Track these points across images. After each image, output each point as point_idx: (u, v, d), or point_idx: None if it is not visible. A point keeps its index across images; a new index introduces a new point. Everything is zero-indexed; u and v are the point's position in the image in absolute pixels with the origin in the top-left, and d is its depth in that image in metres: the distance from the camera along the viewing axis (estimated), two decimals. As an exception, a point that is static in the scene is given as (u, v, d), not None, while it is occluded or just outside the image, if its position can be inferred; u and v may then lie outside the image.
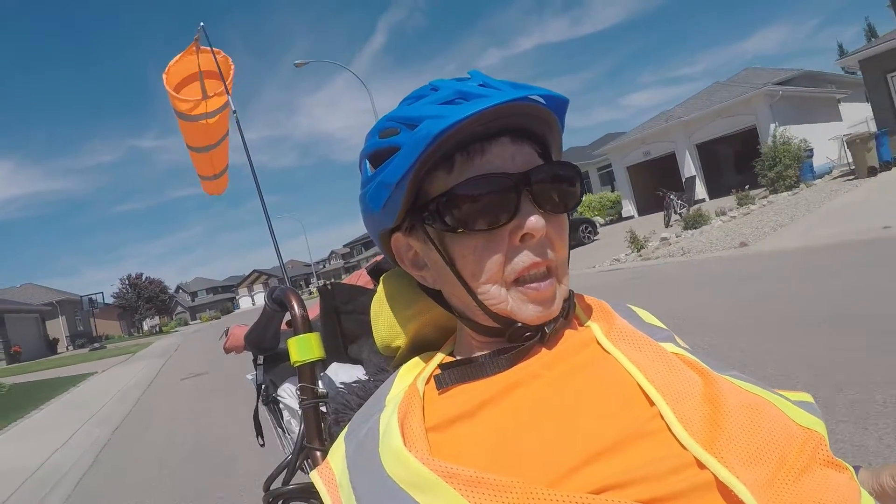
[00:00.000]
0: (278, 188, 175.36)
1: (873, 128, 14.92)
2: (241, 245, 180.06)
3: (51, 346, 33.46)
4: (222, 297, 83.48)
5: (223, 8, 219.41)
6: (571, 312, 0.61)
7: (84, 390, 10.70)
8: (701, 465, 0.44)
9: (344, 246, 73.03)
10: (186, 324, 64.70)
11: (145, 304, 51.23)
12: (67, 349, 33.73)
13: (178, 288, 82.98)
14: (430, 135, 0.51)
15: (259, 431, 1.06)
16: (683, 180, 18.92)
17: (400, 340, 0.68)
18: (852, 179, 13.25)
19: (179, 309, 76.20)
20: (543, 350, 0.57)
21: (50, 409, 8.61)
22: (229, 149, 3.27)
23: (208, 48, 2.82)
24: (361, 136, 0.61)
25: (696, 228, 12.44)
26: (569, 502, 0.42)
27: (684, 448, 0.45)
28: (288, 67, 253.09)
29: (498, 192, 0.53)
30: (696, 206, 15.34)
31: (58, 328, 36.01)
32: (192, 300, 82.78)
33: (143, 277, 53.58)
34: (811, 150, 15.32)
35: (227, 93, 2.71)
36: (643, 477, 0.44)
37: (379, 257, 0.94)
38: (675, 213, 15.95)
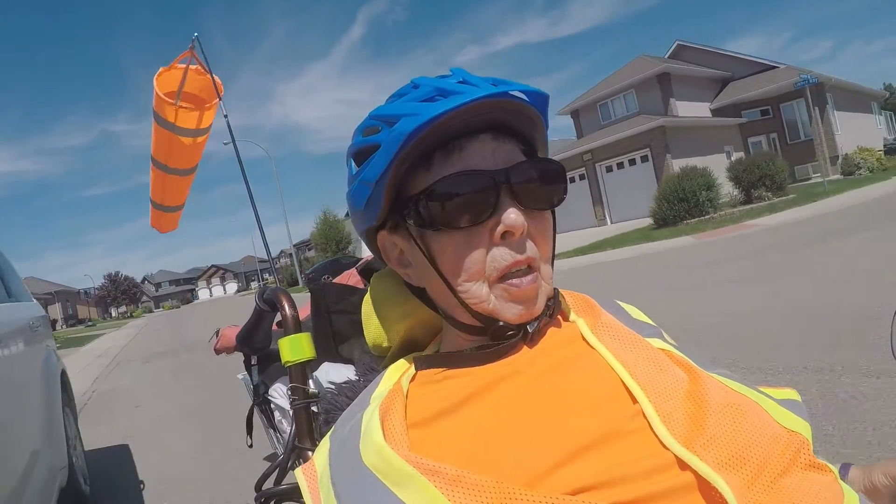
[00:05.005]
0: (241, 178, 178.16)
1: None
2: (204, 235, 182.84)
3: (51, 325, 45.16)
4: (184, 288, 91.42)
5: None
6: (556, 311, 0.60)
7: (107, 336, 23.33)
8: (682, 466, 0.44)
9: (293, 245, 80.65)
10: (151, 311, 73.84)
11: (121, 296, 64.49)
12: (63, 328, 44.99)
13: (144, 279, 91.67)
14: (405, 133, 0.51)
15: (249, 432, 1.06)
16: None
17: (390, 341, 0.67)
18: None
19: (144, 298, 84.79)
20: (527, 347, 0.55)
21: (99, 340, 21.19)
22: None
23: (201, 69, 2.83)
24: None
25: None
26: (545, 503, 0.42)
27: (665, 448, 0.45)
28: (263, 54, 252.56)
29: (476, 189, 0.52)
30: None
31: (55, 312, 47.58)
32: (157, 290, 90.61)
33: (121, 275, 67.28)
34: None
35: (216, 107, 2.78)
36: (622, 477, 0.43)
37: (368, 257, 0.98)
38: None
